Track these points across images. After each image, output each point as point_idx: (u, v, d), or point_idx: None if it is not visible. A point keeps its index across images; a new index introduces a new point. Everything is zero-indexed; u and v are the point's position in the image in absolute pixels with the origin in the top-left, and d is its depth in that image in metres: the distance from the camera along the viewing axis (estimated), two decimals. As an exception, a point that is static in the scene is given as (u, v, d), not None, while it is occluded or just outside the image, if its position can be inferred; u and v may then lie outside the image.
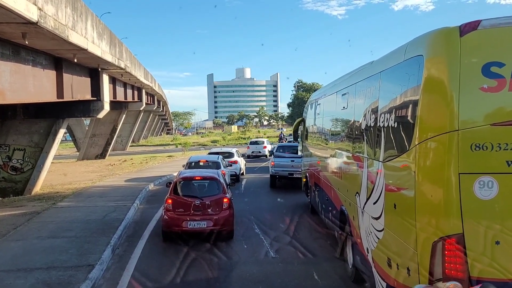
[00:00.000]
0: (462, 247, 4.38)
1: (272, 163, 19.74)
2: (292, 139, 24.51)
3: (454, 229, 4.38)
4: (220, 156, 19.60)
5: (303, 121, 15.36)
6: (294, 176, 18.54)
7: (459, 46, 4.42)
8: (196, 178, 11.86)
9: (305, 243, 10.37)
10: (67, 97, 15.42)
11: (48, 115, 19.00)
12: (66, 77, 15.37)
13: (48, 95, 14.04)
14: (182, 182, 11.53)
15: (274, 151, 21.75)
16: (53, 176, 25.42)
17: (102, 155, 38.69)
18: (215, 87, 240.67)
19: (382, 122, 5.89)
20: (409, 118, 5.00)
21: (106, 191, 18.54)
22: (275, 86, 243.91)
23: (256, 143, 38.93)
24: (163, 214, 11.07)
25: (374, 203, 6.15)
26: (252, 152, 36.77)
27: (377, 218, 6.05)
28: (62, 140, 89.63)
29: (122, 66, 20.56)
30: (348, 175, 8.20)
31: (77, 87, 17.46)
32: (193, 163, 18.02)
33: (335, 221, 9.21)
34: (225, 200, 10.99)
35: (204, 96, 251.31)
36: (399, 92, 5.41)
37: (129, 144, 59.53)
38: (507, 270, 4.37)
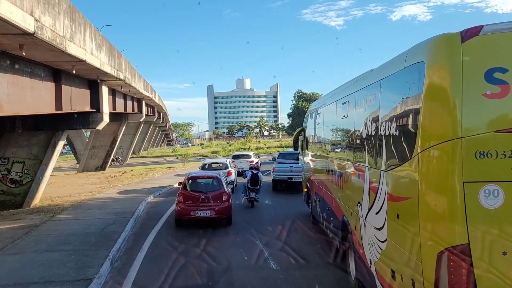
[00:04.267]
0: (468, 258, 4.24)
1: (273, 168, 22.06)
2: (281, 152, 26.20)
3: (459, 240, 4.26)
4: (229, 159, 25.23)
5: (303, 130, 15.37)
6: (293, 180, 20.57)
7: (461, 52, 4.34)
8: (202, 177, 15.06)
9: (306, 252, 10.24)
10: (66, 109, 15.32)
11: (47, 127, 18.90)
12: (65, 88, 15.29)
13: (47, 107, 13.95)
14: (190, 180, 14.45)
15: (276, 157, 23.78)
16: (53, 188, 25.29)
17: (102, 167, 38.61)
18: (215, 98, 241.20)
19: (383, 130, 5.80)
20: (410, 126, 4.92)
21: (105, 203, 18.39)
22: (275, 96, 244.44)
23: None
24: (176, 206, 13.76)
25: (377, 213, 6.05)
26: None
27: (379, 229, 5.95)
28: (62, 153, 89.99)
29: (122, 77, 20.50)
30: (349, 184, 8.07)
31: (76, 99, 17.38)
32: (206, 165, 23.10)
33: (336, 231, 9.11)
34: (224, 194, 13.80)
35: (204, 107, 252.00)
36: (400, 100, 5.33)
37: (130, 156, 59.44)
38: None
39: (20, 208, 18.46)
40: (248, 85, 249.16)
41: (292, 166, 20.81)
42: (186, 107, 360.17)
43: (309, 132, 14.08)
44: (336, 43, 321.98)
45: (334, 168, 9.55)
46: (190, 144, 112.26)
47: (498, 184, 4.24)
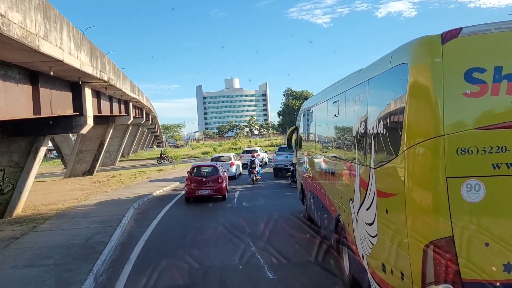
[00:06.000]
0: (453, 250, 4.45)
1: (273, 159, 29.82)
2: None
3: (443, 233, 4.47)
4: (233, 154, 34.62)
5: (297, 129, 15.37)
6: (288, 167, 26.21)
7: (441, 53, 4.54)
8: (203, 166, 21.35)
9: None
10: (45, 113, 14.43)
11: (28, 132, 18.00)
12: (44, 91, 14.40)
13: (23, 112, 13.05)
14: (195, 169, 20.25)
15: (276, 151, 31.57)
16: (38, 195, 24.47)
17: (89, 172, 37.68)
18: (204, 98, 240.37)
19: (372, 129, 6.00)
20: (396, 124, 5.09)
21: (91, 211, 17.58)
22: (265, 95, 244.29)
23: None
24: (185, 187, 19.49)
25: (367, 209, 6.23)
26: None
27: (370, 224, 6.13)
28: (50, 158, 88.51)
29: (105, 78, 19.62)
30: (341, 182, 8.21)
31: (57, 102, 16.52)
32: (216, 158, 30.24)
33: (330, 228, 9.26)
34: (220, 178, 19.25)
35: (194, 108, 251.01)
36: (387, 99, 5.52)
37: (119, 159, 58.56)
38: (497, 271, 4.46)
39: (1, 218, 17.55)
40: (237, 85, 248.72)
41: (287, 157, 26.11)
42: (176, 108, 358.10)
43: (302, 130, 14.17)
44: (322, 42, 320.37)
45: (327, 166, 9.72)
46: (152, 147, 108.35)
47: (479, 179, 4.45)
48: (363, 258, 6.60)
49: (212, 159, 30.03)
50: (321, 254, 9.86)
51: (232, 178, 27.47)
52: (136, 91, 38.07)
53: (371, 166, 5.99)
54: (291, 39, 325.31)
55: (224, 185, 19.23)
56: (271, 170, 31.16)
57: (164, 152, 60.11)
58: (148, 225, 14.60)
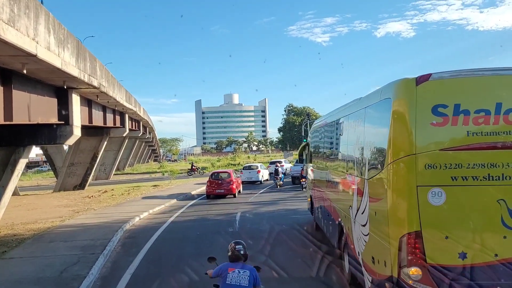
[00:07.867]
0: (421, 241, 5.68)
1: (290, 169, 37.73)
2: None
3: (414, 227, 5.70)
4: (262, 164, 42.52)
5: (308, 145, 16.32)
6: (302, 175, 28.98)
7: (415, 92, 5.85)
8: (219, 172, 27.79)
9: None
10: (19, 120, 12.35)
11: (6, 142, 15.98)
12: (19, 95, 12.35)
13: (-10, 116, 11.02)
14: (214, 174, 27.26)
15: (294, 163, 38.34)
16: (20, 212, 22.35)
17: (81, 186, 35.55)
18: (203, 113, 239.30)
19: (366, 146, 7.27)
20: (384, 144, 6.25)
21: (73, 233, 15.44)
22: (263, 111, 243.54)
23: None
24: (206, 187, 26.51)
25: (362, 213, 7.34)
26: None
27: (364, 225, 7.24)
28: (44, 169, 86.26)
29: (95, 84, 17.57)
30: (343, 192, 9.43)
31: (38, 108, 14.47)
32: (246, 167, 38.58)
33: (335, 233, 10.28)
34: (232, 181, 25.95)
35: (193, 122, 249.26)
36: (377, 124, 6.94)
37: (113, 173, 56.51)
38: (454, 258, 5.66)
39: (-29, 239, 15.39)
40: (236, 100, 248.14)
41: (302, 168, 28.81)
42: (174, 123, 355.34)
43: (312, 146, 15.28)
44: (318, 58, 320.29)
45: (332, 178, 10.92)
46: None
47: (441, 188, 5.74)
48: (359, 255, 7.67)
49: (244, 168, 38.87)
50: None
51: (257, 182, 36.21)
52: (132, 102, 36.17)
53: (366, 177, 7.15)
54: (290, 56, 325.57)
55: (234, 187, 26.03)
56: (290, 178, 36.57)
57: (194, 163, 58.24)
58: (137, 252, 12.48)
